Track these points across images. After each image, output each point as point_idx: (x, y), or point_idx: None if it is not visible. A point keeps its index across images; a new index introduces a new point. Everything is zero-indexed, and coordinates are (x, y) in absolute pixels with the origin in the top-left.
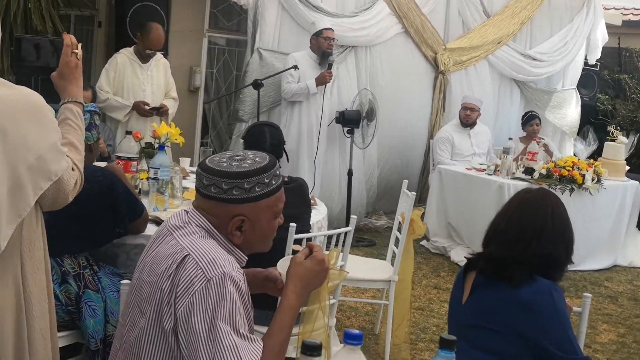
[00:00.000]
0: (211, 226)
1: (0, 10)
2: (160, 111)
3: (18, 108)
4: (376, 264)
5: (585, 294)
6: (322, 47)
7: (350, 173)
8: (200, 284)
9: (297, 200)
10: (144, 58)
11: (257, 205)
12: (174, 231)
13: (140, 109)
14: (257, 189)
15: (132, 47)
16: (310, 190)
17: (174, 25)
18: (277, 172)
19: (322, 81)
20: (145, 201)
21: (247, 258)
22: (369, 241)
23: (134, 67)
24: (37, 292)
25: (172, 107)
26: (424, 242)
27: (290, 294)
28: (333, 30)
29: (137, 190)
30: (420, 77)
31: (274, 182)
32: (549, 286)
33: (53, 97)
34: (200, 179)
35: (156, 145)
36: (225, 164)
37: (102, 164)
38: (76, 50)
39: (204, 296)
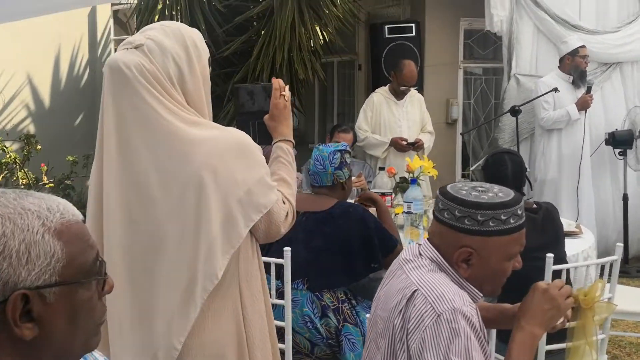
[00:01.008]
0: (442, 258)
1: (267, 62)
2: (416, 146)
3: (226, 147)
4: None
5: None
6: (581, 67)
7: (625, 198)
8: (431, 320)
9: (548, 227)
10: (399, 95)
11: (488, 240)
12: (404, 264)
13: (398, 145)
14: (490, 224)
15: (387, 86)
16: (575, 221)
17: (428, 60)
18: (519, 212)
19: (584, 106)
20: (401, 235)
21: (481, 295)
22: None
23: (389, 104)
24: (257, 320)
25: (427, 141)
26: None
27: (515, 331)
28: (586, 47)
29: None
30: None
31: (512, 221)
32: None
33: (268, 138)
34: (437, 203)
35: (410, 179)
36: (464, 192)
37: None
38: (284, 93)
39: (435, 332)
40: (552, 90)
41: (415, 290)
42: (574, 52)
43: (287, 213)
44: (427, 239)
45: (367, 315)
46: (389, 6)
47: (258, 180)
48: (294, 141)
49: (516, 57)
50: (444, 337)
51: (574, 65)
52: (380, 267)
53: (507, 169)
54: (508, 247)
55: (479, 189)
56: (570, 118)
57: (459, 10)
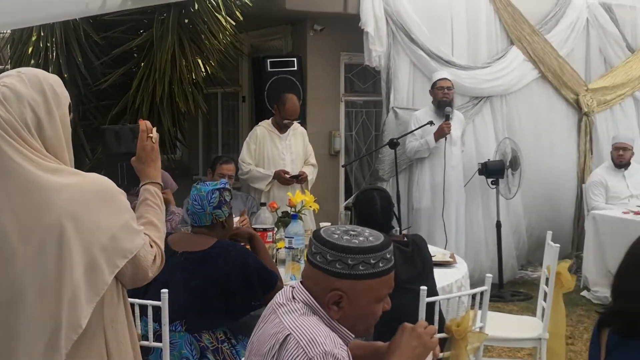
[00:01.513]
0: (314, 301)
1: (147, 94)
2: (300, 179)
3: (88, 193)
4: (525, 321)
5: None
6: (438, 97)
7: (498, 225)
8: None
9: (417, 259)
10: (282, 128)
11: (357, 284)
12: (277, 308)
13: (281, 178)
14: (360, 268)
15: (270, 119)
16: (444, 247)
17: (311, 93)
18: (388, 256)
19: (440, 134)
20: (282, 270)
21: (353, 336)
22: (524, 295)
23: (272, 138)
24: None
25: (311, 173)
26: (584, 293)
27: None
28: (449, 79)
29: (274, 259)
30: (563, 121)
31: (381, 265)
32: None
33: (136, 180)
34: (310, 246)
35: (291, 214)
36: (336, 236)
37: None
38: (151, 135)
39: None
40: (428, 123)
41: (288, 335)
42: (434, 85)
43: (155, 257)
44: (301, 281)
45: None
46: (272, 39)
47: (122, 226)
48: (162, 183)
49: (394, 91)
50: None
51: (434, 97)
52: (261, 305)
53: (376, 204)
54: (377, 290)
55: (351, 232)
56: (429, 146)
57: (339, 45)
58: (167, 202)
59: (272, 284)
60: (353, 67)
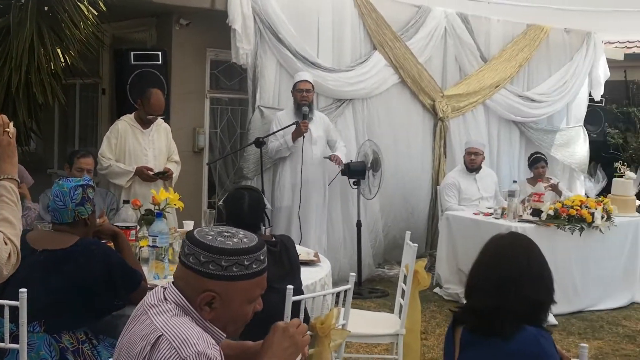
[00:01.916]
0: (186, 302)
1: (2, 84)
2: (164, 176)
3: None
4: (384, 318)
5: (582, 344)
6: (297, 100)
7: (359, 224)
8: None
9: (285, 259)
10: (145, 123)
11: (230, 285)
12: (148, 309)
13: (144, 175)
14: (234, 269)
15: (133, 114)
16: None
17: (175, 88)
18: (261, 257)
19: (297, 134)
20: (145, 269)
21: (225, 335)
22: (381, 292)
23: (135, 133)
24: None
25: (175, 170)
26: (436, 290)
27: None
28: (308, 81)
29: (137, 258)
30: (419, 125)
31: (254, 266)
32: (536, 334)
33: None
34: (183, 247)
35: (155, 212)
36: (210, 237)
37: None
38: (8, 129)
39: None
40: (294, 123)
41: (160, 336)
42: (294, 86)
43: (10, 254)
44: (172, 282)
45: (110, 359)
46: (135, 32)
47: None
48: (18, 179)
49: (260, 90)
50: None
51: (294, 98)
52: (124, 304)
53: (244, 204)
54: (250, 291)
55: (225, 234)
56: (287, 146)
57: (206, 40)
58: (22, 197)
59: (136, 283)
60: (219, 64)
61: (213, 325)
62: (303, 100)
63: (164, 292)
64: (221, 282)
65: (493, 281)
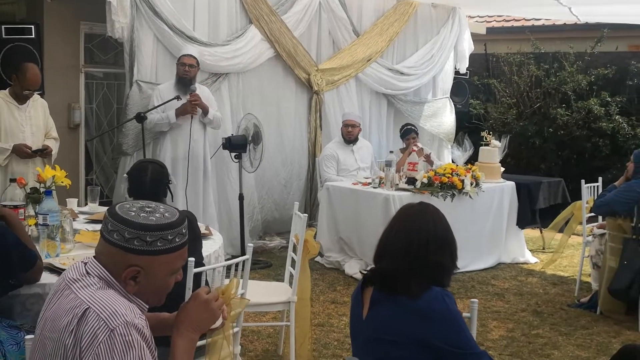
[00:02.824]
0: (109, 276)
1: None
2: (44, 152)
3: None
4: (274, 287)
5: (472, 299)
6: (179, 73)
7: (241, 198)
8: (104, 335)
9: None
10: (21, 99)
11: (155, 259)
12: (71, 284)
13: (22, 152)
14: (158, 244)
15: (7, 89)
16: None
17: (49, 62)
18: (183, 231)
19: (183, 112)
20: (36, 248)
21: (147, 306)
22: (264, 263)
23: (10, 109)
24: None
25: (54, 147)
26: (318, 259)
27: (176, 338)
28: (193, 57)
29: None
30: (295, 99)
31: (177, 240)
32: (442, 293)
33: None
34: (106, 224)
35: (42, 190)
36: (133, 214)
37: None
38: None
39: (109, 347)
40: (175, 98)
41: (87, 309)
42: (178, 60)
43: None
44: (94, 256)
45: (28, 337)
46: (2, 4)
47: None
48: None
49: (137, 64)
50: (118, 351)
51: (177, 72)
52: (19, 284)
53: (147, 176)
54: (173, 263)
55: (146, 209)
56: (169, 121)
57: (79, 13)
58: None
59: (32, 262)
60: (94, 37)
61: (137, 297)
62: (185, 74)
63: (85, 266)
64: (145, 256)
65: (402, 246)
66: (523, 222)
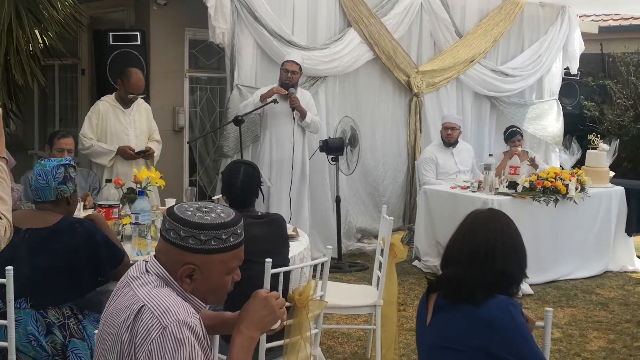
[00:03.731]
0: (167, 274)
1: None
2: (146, 154)
3: None
4: (362, 290)
5: (547, 308)
6: (282, 79)
7: (338, 200)
8: (157, 332)
9: (271, 235)
10: (126, 103)
11: (210, 258)
12: (131, 282)
13: (126, 154)
14: (212, 243)
15: (114, 94)
16: (289, 221)
17: (154, 67)
18: (238, 231)
19: (268, 94)
20: (128, 246)
21: (205, 305)
22: (361, 266)
23: (116, 112)
24: None
25: (156, 149)
26: (415, 262)
27: (235, 335)
28: (296, 62)
29: (119, 237)
30: (394, 101)
31: (232, 240)
32: (506, 302)
33: None
34: (164, 223)
35: (138, 190)
36: (189, 213)
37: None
38: None
39: (161, 343)
40: (272, 101)
41: (142, 306)
42: (282, 65)
43: (5, 228)
44: (154, 255)
45: (95, 331)
46: (113, 12)
47: None
48: (7, 157)
49: (238, 69)
50: (169, 348)
51: (280, 76)
52: (107, 280)
53: (238, 177)
54: (228, 262)
55: (203, 209)
56: (254, 101)
57: (184, 20)
58: None
59: (119, 259)
60: (197, 43)
61: (193, 296)
62: (287, 80)
63: (145, 265)
64: (200, 255)
65: (467, 254)
66: (633, 228)
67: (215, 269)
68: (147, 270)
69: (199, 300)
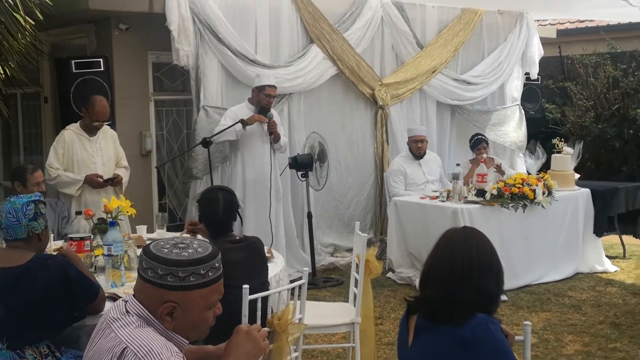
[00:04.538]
0: (147, 313)
1: None
2: (115, 181)
3: None
4: (339, 307)
5: (525, 322)
6: (262, 102)
7: (309, 216)
8: None
9: (251, 258)
10: (92, 131)
11: (189, 294)
12: (111, 323)
13: (94, 182)
14: (191, 279)
15: (79, 122)
16: (270, 245)
17: (119, 92)
18: (217, 264)
19: (251, 121)
20: (102, 278)
21: (187, 342)
22: (336, 281)
23: (82, 141)
24: None
25: (124, 175)
26: (389, 274)
27: None
28: (276, 87)
29: (92, 269)
30: (361, 114)
31: (210, 274)
32: (486, 320)
33: None
34: (141, 262)
35: (109, 221)
36: (166, 250)
37: (59, 243)
38: None
39: None
40: (239, 122)
41: (125, 348)
42: (261, 89)
43: None
44: (133, 295)
45: None
46: (74, 38)
47: None
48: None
49: (204, 90)
50: None
51: (257, 100)
52: (84, 315)
53: (219, 206)
54: (208, 297)
55: (180, 245)
56: (235, 130)
57: (146, 44)
58: None
59: (94, 294)
60: (161, 66)
61: (175, 333)
62: (268, 105)
63: (125, 305)
64: (180, 292)
65: (444, 273)
66: (600, 229)
67: (195, 304)
68: (127, 311)
69: (181, 338)
